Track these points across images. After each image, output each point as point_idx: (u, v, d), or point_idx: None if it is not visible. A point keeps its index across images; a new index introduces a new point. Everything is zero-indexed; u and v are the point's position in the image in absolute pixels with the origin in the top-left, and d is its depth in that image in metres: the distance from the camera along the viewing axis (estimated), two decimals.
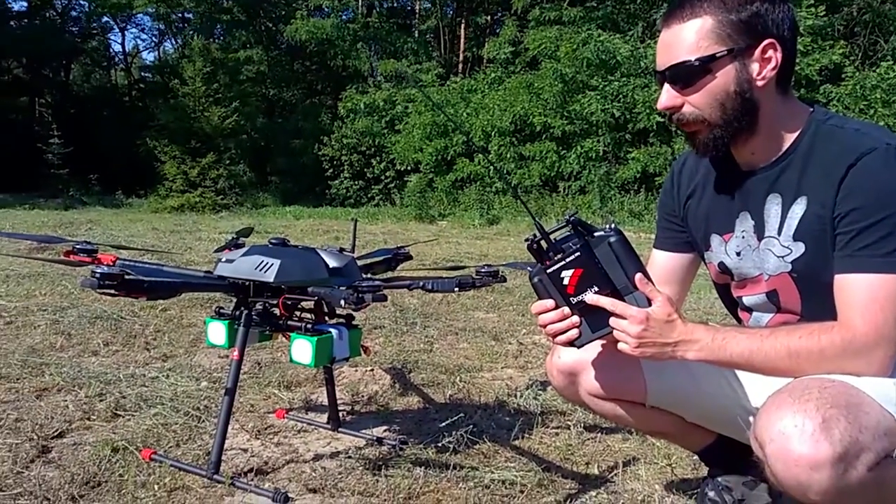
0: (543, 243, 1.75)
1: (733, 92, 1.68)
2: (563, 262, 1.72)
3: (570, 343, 1.78)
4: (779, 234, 1.77)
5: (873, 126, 1.70)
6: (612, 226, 1.74)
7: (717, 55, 1.66)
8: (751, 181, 1.82)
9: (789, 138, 1.75)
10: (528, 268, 1.84)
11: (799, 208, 1.72)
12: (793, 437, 1.47)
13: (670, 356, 1.71)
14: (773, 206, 1.78)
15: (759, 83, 1.68)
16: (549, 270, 1.74)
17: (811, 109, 1.77)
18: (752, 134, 1.74)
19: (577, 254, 1.71)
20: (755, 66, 1.67)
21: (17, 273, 6.35)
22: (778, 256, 1.78)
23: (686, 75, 1.70)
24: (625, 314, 1.69)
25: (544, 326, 1.78)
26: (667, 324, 1.68)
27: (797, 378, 1.63)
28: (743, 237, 1.86)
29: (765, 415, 1.56)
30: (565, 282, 1.73)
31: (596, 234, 1.72)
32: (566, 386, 2.11)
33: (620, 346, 1.73)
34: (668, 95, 1.76)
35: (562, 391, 2.16)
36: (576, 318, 1.75)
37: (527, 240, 1.76)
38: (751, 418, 1.68)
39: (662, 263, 2.09)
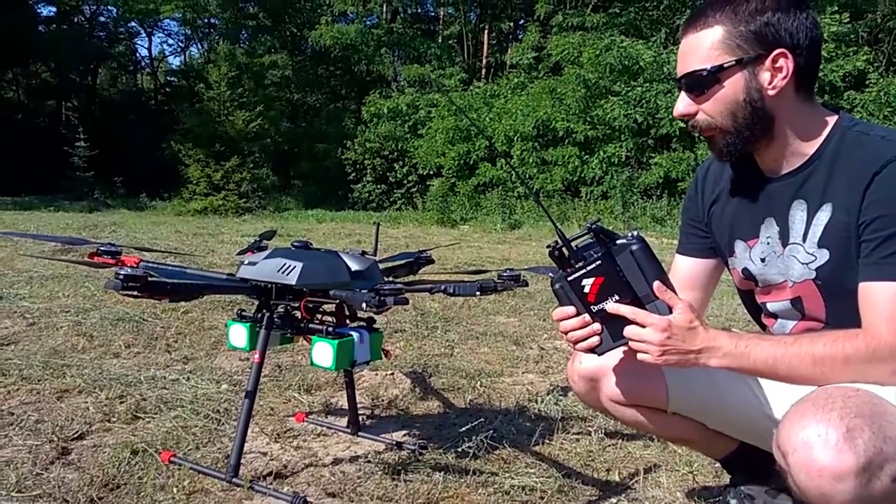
0: (565, 250, 1.74)
1: (742, 101, 1.69)
2: (584, 271, 1.71)
3: (591, 350, 1.77)
4: (803, 240, 1.75)
5: None
6: (635, 233, 1.73)
7: (725, 65, 1.67)
8: (775, 187, 1.80)
9: (814, 144, 1.73)
10: (550, 273, 1.83)
11: (824, 215, 1.70)
12: (816, 447, 1.45)
13: (693, 363, 1.70)
14: (798, 213, 1.76)
15: (771, 92, 1.68)
16: (570, 278, 1.73)
17: (836, 116, 1.75)
18: (770, 140, 1.74)
19: (598, 262, 1.70)
20: (766, 76, 1.67)
21: (40, 274, 6.40)
22: (802, 263, 1.76)
23: (698, 84, 1.72)
24: (646, 322, 1.68)
25: (565, 333, 1.78)
26: (689, 331, 1.67)
27: (821, 386, 1.61)
28: (768, 243, 1.84)
29: (788, 424, 1.54)
30: (586, 290, 1.72)
31: (618, 241, 1.71)
32: (587, 392, 2.10)
33: (642, 356, 1.72)
34: (683, 103, 1.78)
35: (583, 397, 2.15)
36: (597, 326, 1.74)
37: (548, 246, 1.75)
38: (773, 427, 1.66)
39: (686, 269, 2.07)
